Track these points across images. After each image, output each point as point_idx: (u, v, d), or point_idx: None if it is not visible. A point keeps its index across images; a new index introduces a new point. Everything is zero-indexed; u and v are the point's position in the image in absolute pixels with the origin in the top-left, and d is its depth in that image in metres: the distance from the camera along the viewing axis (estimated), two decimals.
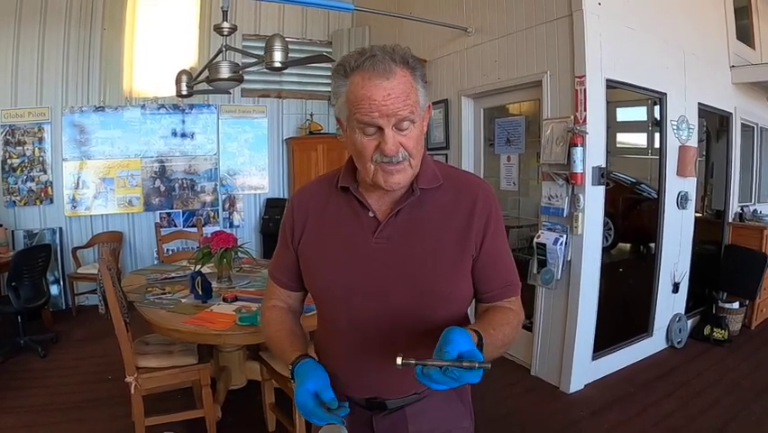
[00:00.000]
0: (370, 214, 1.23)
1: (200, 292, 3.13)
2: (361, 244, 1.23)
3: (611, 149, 3.97)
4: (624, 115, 5.94)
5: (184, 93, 4.04)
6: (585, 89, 3.51)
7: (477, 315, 1.31)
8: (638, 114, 5.81)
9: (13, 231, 5.50)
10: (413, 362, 0.95)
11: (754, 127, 5.87)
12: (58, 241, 5.68)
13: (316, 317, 1.41)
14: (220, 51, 3.50)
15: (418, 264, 1.20)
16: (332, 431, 0.97)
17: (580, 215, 3.62)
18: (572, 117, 3.58)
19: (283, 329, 1.34)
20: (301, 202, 1.35)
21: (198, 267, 3.51)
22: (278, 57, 3.13)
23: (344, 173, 1.27)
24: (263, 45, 3.25)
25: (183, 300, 3.17)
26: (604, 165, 3.70)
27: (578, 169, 3.53)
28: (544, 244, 3.77)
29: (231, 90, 4.40)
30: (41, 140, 5.62)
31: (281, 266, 1.40)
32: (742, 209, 5.48)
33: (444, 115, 4.98)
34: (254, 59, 3.45)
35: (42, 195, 5.67)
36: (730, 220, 5.38)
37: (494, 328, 1.16)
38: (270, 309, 1.41)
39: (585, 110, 3.52)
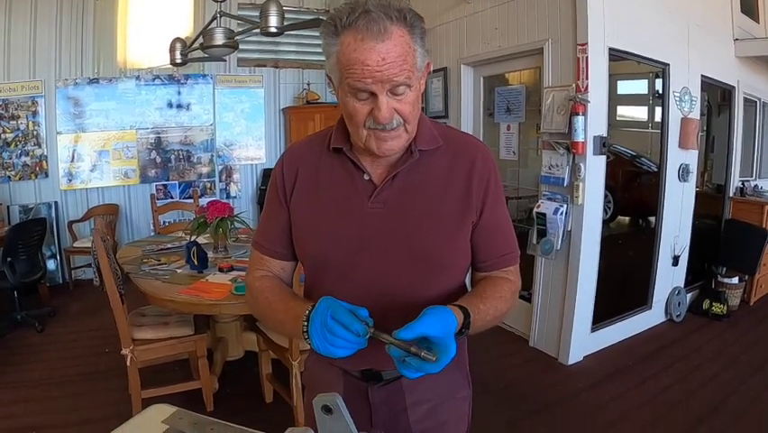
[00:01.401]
0: (366, 177, 1.16)
1: (196, 262, 3.11)
2: (356, 208, 1.16)
3: (611, 122, 3.91)
4: (624, 88, 5.89)
5: (178, 61, 3.98)
6: (587, 57, 3.44)
7: (472, 284, 1.27)
8: (639, 87, 5.76)
9: (8, 206, 5.45)
10: (383, 336, 0.96)
11: (756, 102, 5.79)
12: (53, 215, 5.61)
13: (303, 288, 1.31)
14: (214, 18, 3.43)
15: (416, 231, 1.14)
16: (327, 400, 0.94)
17: (580, 184, 3.57)
18: (574, 86, 3.51)
19: (283, 292, 1.22)
20: (291, 160, 1.25)
21: (194, 237, 3.47)
22: (273, 21, 3.07)
23: (336, 133, 1.19)
24: (259, 13, 3.18)
25: (179, 271, 3.15)
26: (605, 135, 3.65)
27: (579, 138, 3.48)
28: (544, 214, 3.74)
29: (226, 58, 4.33)
30: (34, 113, 5.53)
31: (271, 232, 1.28)
32: (743, 184, 5.43)
33: (444, 84, 4.91)
34: (249, 25, 3.38)
35: (37, 169, 5.61)
36: (731, 195, 5.33)
37: (484, 303, 1.12)
38: (260, 279, 1.27)
39: (587, 78, 3.45)
